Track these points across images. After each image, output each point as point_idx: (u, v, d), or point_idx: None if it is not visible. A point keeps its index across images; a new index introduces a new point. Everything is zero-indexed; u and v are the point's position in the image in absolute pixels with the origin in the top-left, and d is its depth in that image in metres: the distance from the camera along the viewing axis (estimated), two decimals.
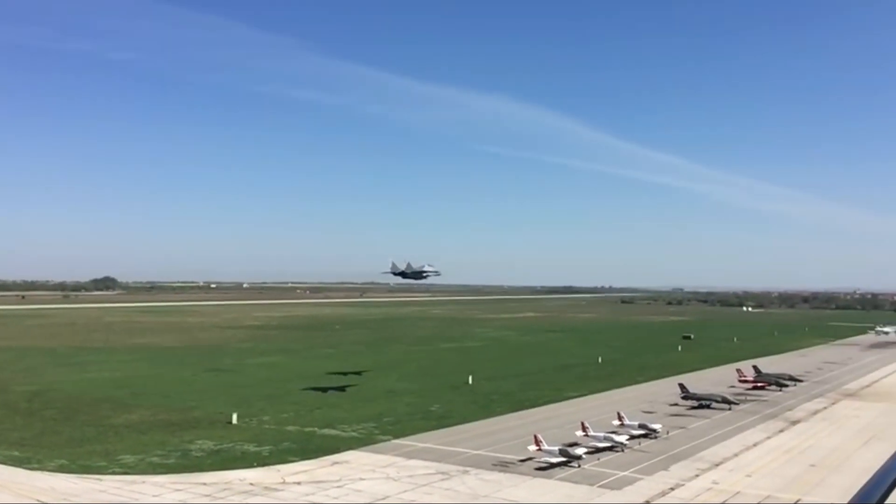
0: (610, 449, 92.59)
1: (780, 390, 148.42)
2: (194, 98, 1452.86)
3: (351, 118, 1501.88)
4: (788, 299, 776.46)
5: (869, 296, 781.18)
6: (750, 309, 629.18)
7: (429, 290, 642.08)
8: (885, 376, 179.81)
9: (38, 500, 62.17)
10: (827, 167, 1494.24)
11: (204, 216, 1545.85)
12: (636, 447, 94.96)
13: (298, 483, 77.93)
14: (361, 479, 79.49)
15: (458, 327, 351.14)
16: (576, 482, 79.17)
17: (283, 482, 78.19)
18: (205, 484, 76.53)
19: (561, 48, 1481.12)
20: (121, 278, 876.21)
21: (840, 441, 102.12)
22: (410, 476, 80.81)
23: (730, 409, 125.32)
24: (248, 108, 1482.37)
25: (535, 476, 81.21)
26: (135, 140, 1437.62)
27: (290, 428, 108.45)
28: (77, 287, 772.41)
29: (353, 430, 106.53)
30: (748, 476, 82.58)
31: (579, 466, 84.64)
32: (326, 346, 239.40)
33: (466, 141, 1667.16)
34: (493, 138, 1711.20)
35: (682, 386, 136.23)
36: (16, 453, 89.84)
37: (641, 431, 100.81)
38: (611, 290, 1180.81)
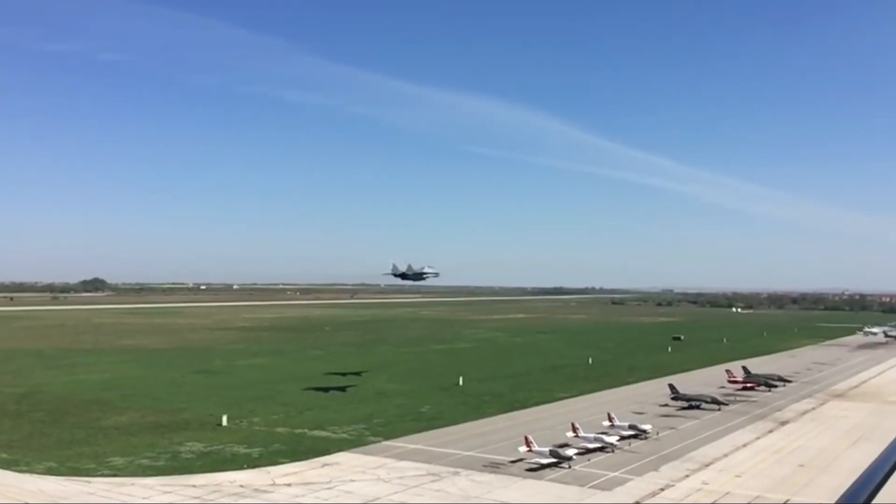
0: (600, 450, 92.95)
1: (770, 391, 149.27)
2: (185, 99, 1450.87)
3: (341, 119, 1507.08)
4: (777, 300, 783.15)
5: (857, 297, 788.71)
6: (739, 310, 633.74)
7: (419, 291, 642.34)
8: (874, 377, 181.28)
9: (26, 503, 61.82)
10: (816, 169, 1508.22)
11: (194, 217, 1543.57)
12: (626, 448, 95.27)
13: (289, 485, 77.84)
14: (352, 480, 79.46)
15: (449, 328, 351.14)
16: (566, 483, 79.43)
17: (274, 484, 78.06)
18: (194, 486, 76.31)
19: (550, 50, 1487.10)
20: (110, 280, 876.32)
21: (828, 441, 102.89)
22: (401, 477, 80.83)
23: (719, 409, 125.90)
24: (240, 109, 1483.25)
25: (525, 477, 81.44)
26: (124, 141, 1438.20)
27: (280, 429, 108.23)
28: (66, 288, 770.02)
29: (344, 432, 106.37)
30: (738, 476, 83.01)
31: (570, 467, 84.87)
32: (316, 348, 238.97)
33: (457, 142, 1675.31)
34: (484, 139, 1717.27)
35: (671, 387, 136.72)
36: (4, 456, 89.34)
37: (631, 432, 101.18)
38: (601, 291, 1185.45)
